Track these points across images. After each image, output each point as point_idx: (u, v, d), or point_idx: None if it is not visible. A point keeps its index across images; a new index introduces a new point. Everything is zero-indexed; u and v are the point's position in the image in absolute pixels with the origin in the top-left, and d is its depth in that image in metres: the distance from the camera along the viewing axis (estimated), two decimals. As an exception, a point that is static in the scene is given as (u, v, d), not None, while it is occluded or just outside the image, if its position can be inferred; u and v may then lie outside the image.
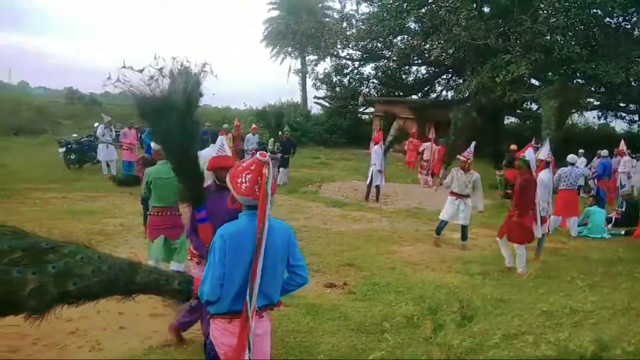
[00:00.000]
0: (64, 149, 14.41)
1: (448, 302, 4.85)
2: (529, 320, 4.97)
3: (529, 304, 5.53)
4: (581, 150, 13.57)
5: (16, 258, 2.65)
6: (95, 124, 15.93)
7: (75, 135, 16.43)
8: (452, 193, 8.34)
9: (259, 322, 2.65)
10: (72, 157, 14.47)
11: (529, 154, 7.13)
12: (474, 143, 8.56)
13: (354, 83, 30.48)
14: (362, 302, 5.55)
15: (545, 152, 7.92)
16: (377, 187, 12.66)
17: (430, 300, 5.34)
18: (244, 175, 2.65)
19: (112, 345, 4.27)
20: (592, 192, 11.72)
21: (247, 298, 2.55)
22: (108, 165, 13.83)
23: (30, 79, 74.48)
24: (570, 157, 9.80)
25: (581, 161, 12.46)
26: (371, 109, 30.37)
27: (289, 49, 33.97)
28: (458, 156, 8.66)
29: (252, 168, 2.64)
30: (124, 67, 3.22)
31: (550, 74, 22.02)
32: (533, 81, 22.10)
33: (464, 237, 8.47)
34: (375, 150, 12.76)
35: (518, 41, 18.73)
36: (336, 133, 29.06)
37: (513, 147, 14.79)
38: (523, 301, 5.66)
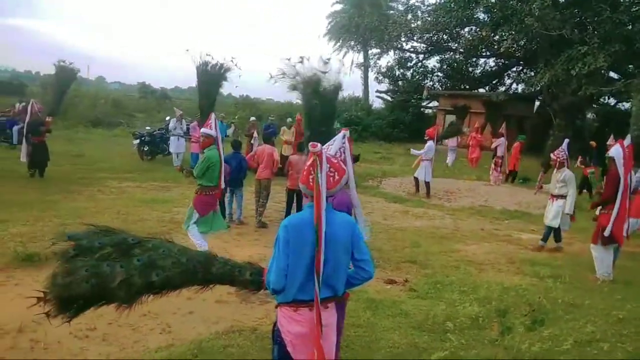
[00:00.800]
0: (137, 141, 15.21)
1: (516, 304, 4.67)
2: (604, 327, 4.72)
3: (603, 310, 5.24)
4: None
5: (106, 253, 2.90)
6: (167, 118, 16.71)
7: (148, 128, 17.30)
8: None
9: (323, 313, 2.68)
10: (145, 148, 15.23)
11: (614, 150, 6.67)
12: (566, 141, 8.10)
13: (417, 76, 29.92)
14: (424, 300, 5.45)
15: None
16: (427, 183, 12.42)
17: (497, 301, 5.17)
18: (306, 164, 2.76)
19: (181, 329, 4.47)
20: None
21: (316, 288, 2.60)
22: (177, 157, 14.45)
23: (106, 74, 79.16)
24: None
25: None
26: (435, 103, 29.70)
27: (352, 43, 33.87)
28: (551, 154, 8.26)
29: (311, 159, 2.71)
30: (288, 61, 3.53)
31: (631, 66, 20.51)
32: (612, 74, 20.72)
33: (557, 238, 8.10)
34: (429, 145, 12.57)
35: (596, 32, 17.62)
36: (398, 127, 28.67)
37: (592, 143, 14.03)
38: (597, 307, 5.36)
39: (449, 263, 6.96)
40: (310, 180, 2.68)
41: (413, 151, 13.46)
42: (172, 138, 14.46)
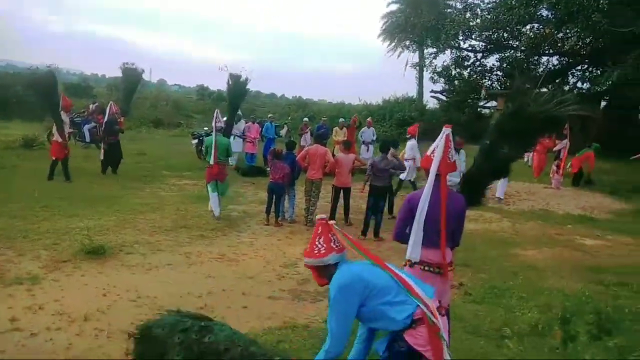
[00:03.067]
0: (196, 141, 15.71)
1: (579, 312, 4.44)
2: (676, 340, 4.39)
3: (676, 321, 4.87)
4: None
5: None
6: (224, 119, 17.13)
7: (206, 128, 17.84)
8: None
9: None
10: (203, 148, 15.70)
11: None
12: None
13: (474, 76, 29.02)
14: (480, 305, 5.29)
15: None
16: (411, 182, 11.08)
17: (558, 309, 4.93)
18: (317, 242, 2.92)
19: (235, 323, 4.51)
20: None
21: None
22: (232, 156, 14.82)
23: (167, 77, 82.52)
24: None
25: None
26: (493, 103, 28.74)
27: (407, 43, 33.35)
28: None
29: (319, 231, 2.93)
30: None
31: None
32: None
33: None
34: (411, 144, 11.11)
35: (670, 27, 16.41)
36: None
37: None
38: (669, 318, 4.99)
39: (507, 268, 6.71)
40: (334, 245, 2.88)
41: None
42: (230, 138, 14.84)
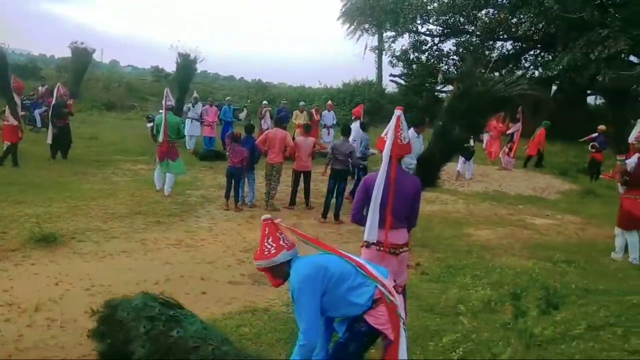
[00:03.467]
0: (151, 124, 15.19)
1: (529, 288, 4.64)
2: (617, 312, 4.71)
3: (617, 295, 5.22)
4: None
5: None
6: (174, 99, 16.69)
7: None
8: None
9: None
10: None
11: None
12: None
13: (432, 60, 29.45)
14: (436, 284, 5.44)
15: (633, 135, 7.18)
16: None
17: (510, 285, 5.14)
18: (266, 243, 2.91)
19: (194, 309, 4.44)
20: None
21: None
22: (190, 139, 14.47)
23: (120, 58, 79.48)
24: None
25: None
26: (450, 87, 29.29)
27: (366, 26, 33.35)
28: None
29: (266, 232, 2.92)
30: None
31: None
32: (632, 58, 20.18)
33: None
34: (356, 127, 10.37)
35: (617, 14, 17.13)
36: (410, 112, 28.27)
37: (601, 127, 13.68)
38: (611, 292, 5.34)
39: (462, 247, 6.92)
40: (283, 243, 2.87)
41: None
42: (186, 121, 14.48)
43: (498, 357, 3.59)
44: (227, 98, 17.12)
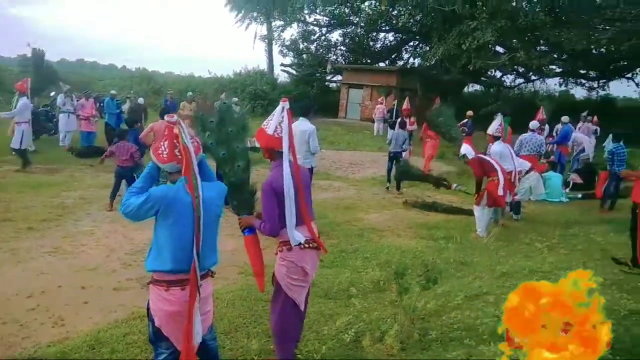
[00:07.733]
0: (18, 120, 13.70)
1: (413, 266, 4.95)
2: (489, 282, 5.14)
3: (489, 266, 5.70)
4: (565, 118, 12.75)
5: None
6: (52, 93, 15.20)
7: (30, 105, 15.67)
8: None
9: (204, 286, 2.76)
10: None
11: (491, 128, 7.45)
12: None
13: (321, 50, 30.06)
14: (330, 269, 5.59)
15: (493, 127, 7.86)
16: (19, 150, 10.31)
17: (396, 265, 5.44)
18: (162, 143, 2.69)
19: (75, 321, 4.18)
20: (553, 157, 12.02)
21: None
22: (65, 136, 13.26)
23: (-21, 46, 70.32)
24: (532, 124, 9.97)
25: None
26: (339, 77, 30.11)
27: (254, 14, 32.98)
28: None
29: (165, 133, 2.69)
30: None
31: (515, 41, 22.26)
32: (498, 48, 22.28)
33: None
34: (24, 103, 10.14)
35: (484, 7, 18.77)
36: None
37: (469, 113, 14.73)
38: (484, 264, 5.83)
39: (353, 232, 7.19)
40: (177, 153, 2.64)
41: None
42: (61, 115, 13.22)
43: (386, 333, 3.78)
44: (112, 92, 15.59)
